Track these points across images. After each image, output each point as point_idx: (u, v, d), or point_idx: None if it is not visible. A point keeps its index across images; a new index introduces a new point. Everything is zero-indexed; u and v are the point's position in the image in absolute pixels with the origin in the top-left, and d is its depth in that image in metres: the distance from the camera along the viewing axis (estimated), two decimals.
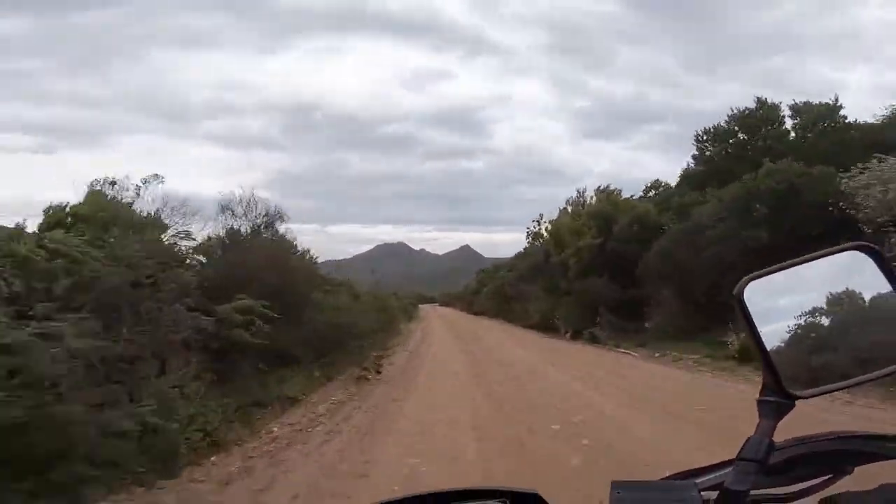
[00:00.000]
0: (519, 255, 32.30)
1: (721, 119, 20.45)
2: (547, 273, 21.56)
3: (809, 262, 0.68)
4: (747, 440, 0.60)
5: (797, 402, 0.61)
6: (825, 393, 0.65)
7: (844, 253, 0.67)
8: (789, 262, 0.68)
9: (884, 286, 0.65)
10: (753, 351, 0.65)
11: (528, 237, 25.53)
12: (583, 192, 22.27)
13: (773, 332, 0.65)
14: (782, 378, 0.62)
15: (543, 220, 22.97)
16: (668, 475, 0.68)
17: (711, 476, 0.64)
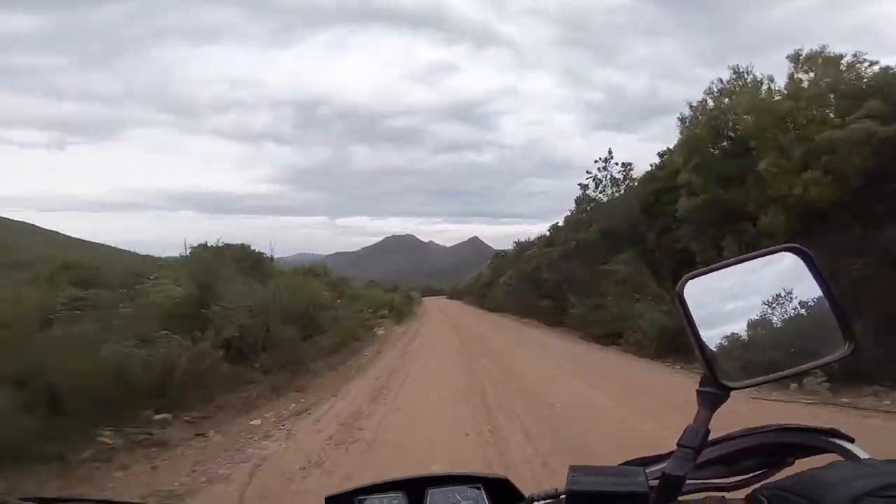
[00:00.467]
0: (558, 228, 21.65)
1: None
2: (654, 231, 12.47)
3: (745, 262, 0.73)
4: (686, 428, 0.65)
5: (731, 393, 0.66)
6: (755, 385, 0.70)
7: (779, 254, 0.72)
8: (725, 262, 0.73)
9: (812, 286, 0.70)
10: (692, 345, 0.68)
11: (585, 190, 17.06)
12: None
13: (711, 327, 0.69)
14: (717, 371, 0.67)
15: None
16: (622, 462, 0.73)
17: (661, 465, 0.68)
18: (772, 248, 0.72)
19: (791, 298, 0.71)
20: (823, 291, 0.69)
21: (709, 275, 0.72)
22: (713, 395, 0.66)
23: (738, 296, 0.73)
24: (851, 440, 0.70)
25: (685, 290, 0.69)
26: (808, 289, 0.70)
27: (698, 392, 0.67)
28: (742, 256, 0.73)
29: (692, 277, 0.71)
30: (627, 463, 0.72)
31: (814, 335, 0.72)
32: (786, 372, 0.71)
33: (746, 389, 0.69)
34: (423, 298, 49.06)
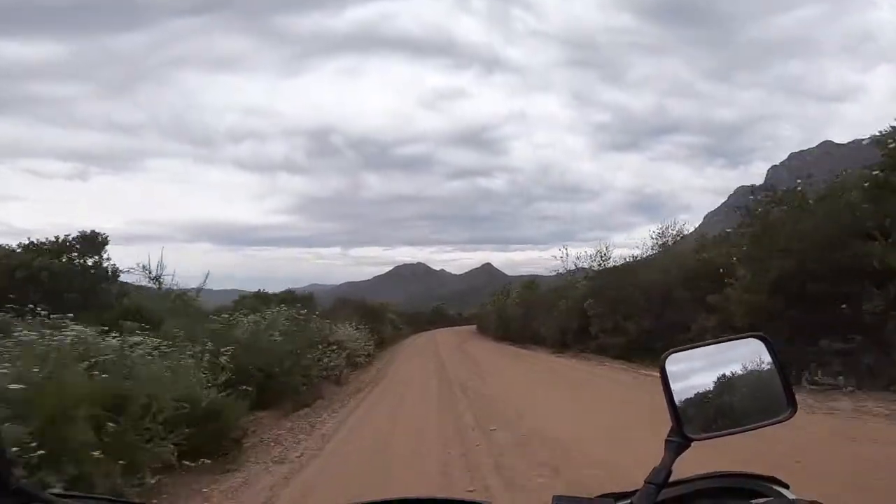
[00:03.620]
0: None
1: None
2: None
3: (720, 344, 0.93)
4: (653, 469, 0.79)
5: (693, 444, 0.81)
6: (712, 437, 0.84)
7: (745, 339, 0.92)
8: (703, 342, 0.93)
9: (769, 366, 0.90)
10: (667, 405, 0.84)
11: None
12: None
13: (684, 391, 0.87)
14: (684, 424, 0.83)
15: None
16: (603, 494, 0.82)
17: (629, 500, 0.79)
18: (742, 334, 0.94)
19: (749, 373, 0.90)
20: (777, 369, 0.89)
21: (688, 351, 0.91)
22: (678, 443, 0.81)
23: (710, 369, 0.89)
24: (786, 486, 0.83)
25: (667, 362, 0.88)
26: (766, 366, 0.90)
27: (666, 440, 0.82)
28: (718, 339, 0.94)
29: (674, 352, 0.89)
30: (603, 496, 0.82)
31: (765, 401, 0.90)
32: (738, 429, 0.87)
33: (709, 440, 0.84)
34: (422, 335, 35.08)
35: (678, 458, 0.80)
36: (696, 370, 0.89)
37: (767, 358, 0.89)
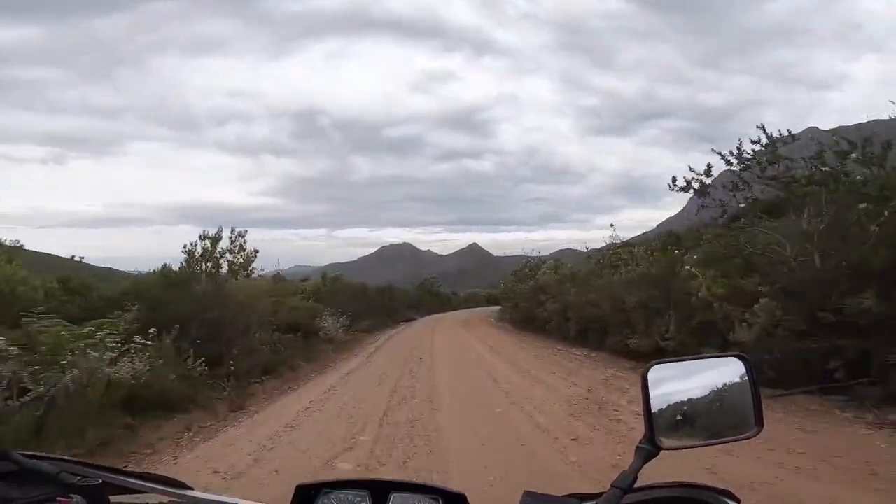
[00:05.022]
0: None
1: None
2: None
3: (703, 360, 0.98)
4: (620, 473, 0.81)
5: (661, 452, 0.84)
6: (681, 448, 0.89)
7: (728, 357, 0.97)
8: (688, 356, 0.99)
9: (745, 384, 0.94)
10: (643, 413, 0.87)
11: None
12: None
13: (661, 401, 0.89)
14: (656, 433, 0.86)
15: None
16: (569, 493, 0.87)
17: (594, 500, 0.81)
18: (725, 353, 0.99)
19: (724, 390, 0.94)
20: (751, 388, 0.93)
21: (671, 363, 0.96)
22: (647, 450, 0.84)
23: (690, 382, 0.93)
24: (738, 500, 0.86)
25: (650, 372, 0.90)
26: (742, 385, 0.94)
27: (637, 447, 0.85)
28: (701, 355, 1.00)
29: (657, 363, 0.93)
30: (571, 495, 0.86)
31: (736, 418, 0.94)
32: (707, 442, 0.94)
33: (676, 451, 0.87)
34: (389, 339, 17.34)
35: (645, 465, 0.83)
36: (676, 382, 0.93)
37: (745, 377, 0.95)
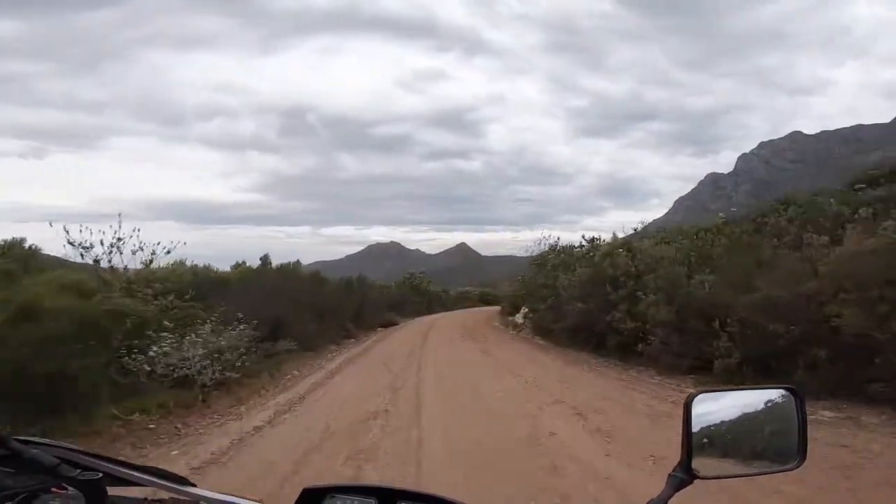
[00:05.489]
0: None
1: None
2: None
3: (751, 391, 0.98)
4: (649, 500, 0.80)
5: (696, 481, 0.83)
6: (718, 478, 0.88)
7: (778, 389, 0.95)
8: (735, 387, 1.05)
9: (793, 419, 0.92)
10: (682, 440, 0.86)
11: None
12: None
13: (703, 430, 0.87)
14: (693, 461, 0.84)
15: None
16: None
17: None
18: (774, 385, 0.97)
19: (772, 421, 0.92)
20: (799, 421, 0.91)
21: (718, 392, 0.94)
22: (680, 479, 0.82)
23: (734, 413, 0.91)
24: None
25: (694, 402, 0.88)
26: (788, 416, 0.92)
27: (669, 474, 0.83)
28: (749, 385, 1.02)
29: (703, 392, 0.91)
30: None
31: (777, 449, 0.92)
32: (745, 473, 0.94)
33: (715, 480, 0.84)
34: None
35: (678, 494, 0.80)
36: (718, 412, 0.90)
37: (793, 408, 0.92)
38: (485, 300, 36.15)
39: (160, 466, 0.89)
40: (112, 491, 0.81)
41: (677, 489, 0.81)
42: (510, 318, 18.79)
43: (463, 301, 36.10)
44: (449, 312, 27.15)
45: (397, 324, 19.91)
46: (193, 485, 0.87)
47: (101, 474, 0.78)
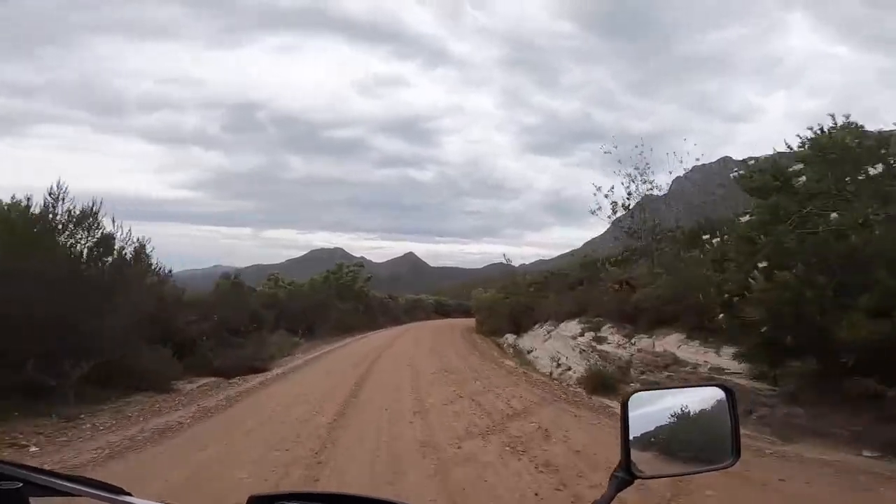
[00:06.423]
0: None
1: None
2: None
3: (684, 389, 1.02)
4: (593, 501, 0.81)
5: (636, 481, 0.85)
6: (656, 477, 0.96)
7: (710, 387, 0.98)
8: (669, 386, 2.39)
9: (726, 417, 0.94)
10: (621, 441, 0.87)
11: None
12: None
13: (640, 430, 0.88)
14: (632, 462, 0.86)
15: None
16: None
17: None
18: (706, 382, 1.28)
19: (704, 420, 0.94)
20: (731, 418, 0.94)
21: (652, 392, 1.00)
22: (621, 479, 0.84)
23: (669, 411, 0.92)
24: None
25: (630, 400, 0.90)
26: (722, 414, 0.94)
27: (611, 475, 0.85)
28: (682, 384, 1.47)
29: (638, 392, 0.94)
30: None
31: (713, 448, 0.94)
32: (683, 472, 1.01)
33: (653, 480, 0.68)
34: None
35: (620, 494, 0.83)
36: (655, 412, 0.91)
37: (726, 406, 0.94)
38: (441, 311, 32.84)
39: (91, 476, 0.86)
40: (35, 502, 0.76)
41: (619, 489, 0.83)
42: (507, 342, 13.19)
43: (415, 311, 30.06)
44: (399, 329, 20.74)
45: (287, 363, 10.93)
46: (128, 493, 0.81)
47: (21, 483, 0.74)
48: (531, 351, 11.90)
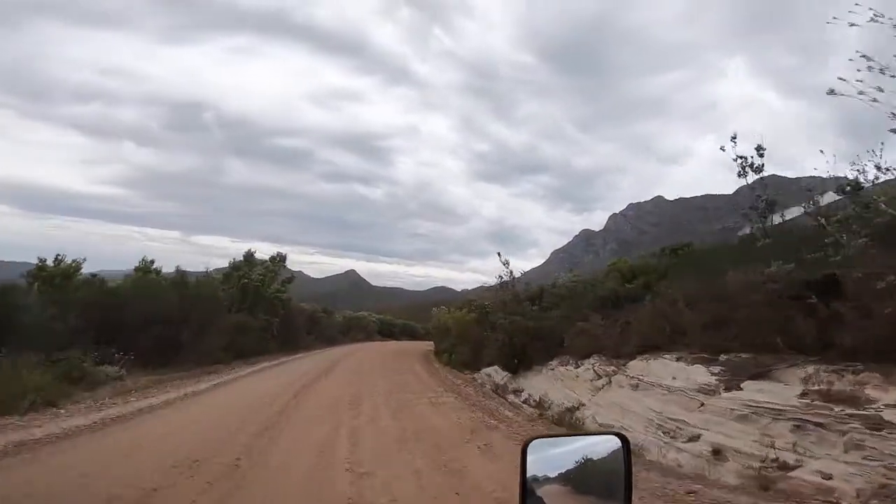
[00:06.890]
0: None
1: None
2: None
3: (582, 437, 1.11)
4: None
5: None
6: None
7: (607, 435, 1.00)
8: (567, 434, 1.90)
9: (620, 465, 0.97)
10: (519, 487, 0.91)
11: None
12: None
13: (538, 474, 0.92)
14: None
15: None
16: None
17: None
18: (604, 431, 1.19)
19: (598, 465, 0.95)
20: (624, 468, 0.96)
21: (551, 439, 1.05)
22: None
23: (566, 459, 0.94)
24: None
25: (529, 447, 0.95)
26: (616, 463, 0.96)
27: None
28: (580, 432, 2.62)
29: (536, 438, 0.98)
30: None
31: (607, 493, 0.95)
32: None
33: None
34: None
35: None
36: (553, 459, 0.93)
37: (620, 454, 0.96)
38: (386, 332, 30.11)
39: None
40: None
41: None
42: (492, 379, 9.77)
43: (355, 331, 26.35)
44: (332, 353, 16.73)
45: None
46: None
47: None
48: (577, 408, 7.30)
